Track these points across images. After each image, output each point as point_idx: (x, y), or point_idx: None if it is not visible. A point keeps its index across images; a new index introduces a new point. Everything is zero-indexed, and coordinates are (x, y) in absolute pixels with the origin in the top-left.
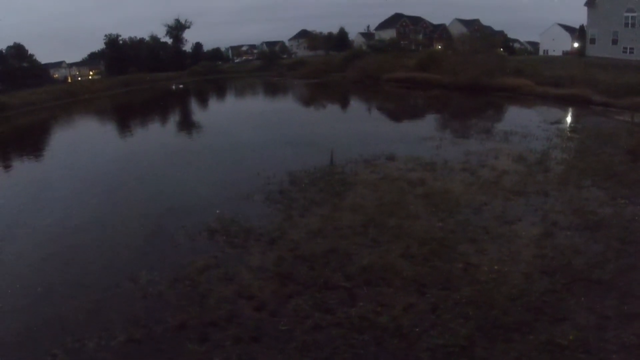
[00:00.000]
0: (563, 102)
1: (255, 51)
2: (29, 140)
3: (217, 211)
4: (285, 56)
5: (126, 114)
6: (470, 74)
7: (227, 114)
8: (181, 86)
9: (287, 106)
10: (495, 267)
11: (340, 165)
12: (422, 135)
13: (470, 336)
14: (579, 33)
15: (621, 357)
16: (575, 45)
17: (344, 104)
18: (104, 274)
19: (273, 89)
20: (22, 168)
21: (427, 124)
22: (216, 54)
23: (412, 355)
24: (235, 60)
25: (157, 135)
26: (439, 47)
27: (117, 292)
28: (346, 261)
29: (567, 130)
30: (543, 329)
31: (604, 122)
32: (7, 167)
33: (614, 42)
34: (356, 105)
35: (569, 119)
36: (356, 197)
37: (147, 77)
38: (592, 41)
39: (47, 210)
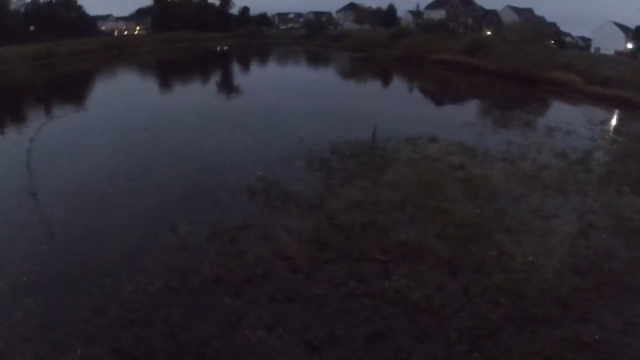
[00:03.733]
0: (610, 103)
1: (301, 20)
2: (70, 90)
3: (259, 172)
4: (331, 27)
5: (168, 71)
6: (518, 64)
7: (269, 80)
8: (225, 48)
9: (330, 78)
10: (529, 259)
11: (381, 141)
12: (464, 120)
13: (498, 322)
14: (634, 34)
15: None
16: (629, 46)
17: (388, 81)
18: (144, 221)
19: (317, 59)
20: (64, 118)
21: (470, 110)
22: (262, 19)
23: (441, 333)
24: (281, 27)
25: (198, 96)
26: (488, 32)
27: (157, 240)
28: (383, 235)
29: (612, 133)
30: (569, 325)
31: None
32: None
33: None
34: (400, 83)
35: (614, 122)
36: (396, 174)
37: (192, 36)
38: None
39: (90, 157)
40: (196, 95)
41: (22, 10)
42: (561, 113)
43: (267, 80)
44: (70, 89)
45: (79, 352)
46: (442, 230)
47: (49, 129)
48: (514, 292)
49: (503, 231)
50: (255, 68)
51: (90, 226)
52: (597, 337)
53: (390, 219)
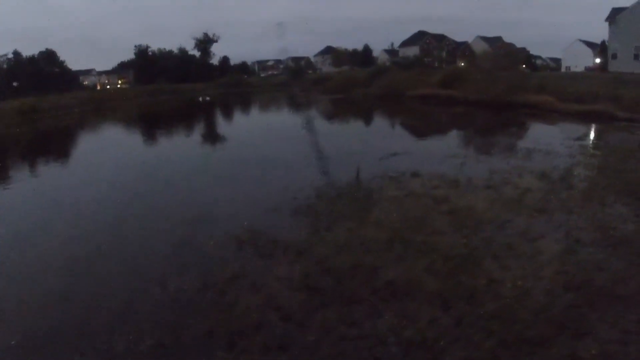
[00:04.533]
0: (586, 118)
1: (281, 66)
2: (52, 145)
3: (245, 223)
4: (310, 71)
5: (152, 123)
6: (493, 91)
7: (252, 127)
8: (208, 98)
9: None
10: (519, 283)
11: (365, 181)
12: (446, 152)
13: (494, 350)
14: (600, 48)
15: None
16: (597, 60)
17: (368, 120)
18: (131, 279)
19: (298, 104)
20: (45, 172)
21: (451, 141)
22: (243, 67)
23: None
24: (262, 75)
25: (182, 146)
26: (462, 64)
27: (146, 297)
28: (372, 275)
29: (590, 147)
30: (565, 342)
31: (628, 138)
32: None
33: (636, 57)
34: (380, 121)
35: (591, 136)
36: (381, 213)
37: (174, 88)
38: (614, 56)
39: (70, 214)
40: (179, 147)
41: (5, 65)
42: (539, 134)
43: (249, 128)
44: (53, 145)
45: None
46: (431, 264)
47: (26, 187)
48: (507, 317)
49: (491, 258)
50: (237, 117)
51: (76, 290)
52: (594, 352)
53: (378, 258)
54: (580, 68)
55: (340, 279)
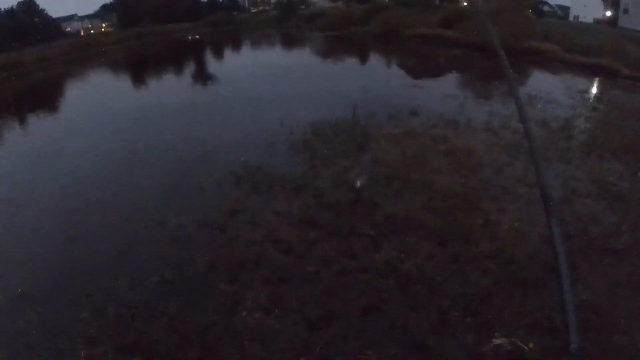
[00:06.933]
0: (590, 71)
1: (272, 1)
2: (45, 97)
3: (242, 159)
4: (303, 6)
5: (140, 67)
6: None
7: (244, 67)
8: (197, 37)
9: (305, 60)
10: (515, 225)
11: (363, 119)
12: (444, 93)
13: (489, 288)
14: (612, 1)
15: (629, 322)
16: (608, 14)
17: (365, 59)
18: (132, 219)
19: (291, 41)
20: (41, 124)
21: (450, 83)
22: (232, 4)
23: (434, 301)
24: (252, 11)
25: (173, 89)
26: (465, 3)
27: (147, 235)
28: (371, 210)
29: (592, 101)
30: (557, 288)
31: (631, 97)
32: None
33: None
34: (377, 60)
35: (594, 90)
36: (379, 150)
37: (160, 29)
38: (626, 11)
39: (70, 158)
40: (171, 88)
41: None
42: (541, 82)
43: (242, 66)
44: (43, 96)
45: (82, 354)
46: (429, 202)
47: (22, 137)
48: (502, 258)
49: (489, 200)
50: (229, 55)
51: (79, 230)
52: (584, 297)
53: (377, 194)
54: (589, 19)
55: (339, 214)
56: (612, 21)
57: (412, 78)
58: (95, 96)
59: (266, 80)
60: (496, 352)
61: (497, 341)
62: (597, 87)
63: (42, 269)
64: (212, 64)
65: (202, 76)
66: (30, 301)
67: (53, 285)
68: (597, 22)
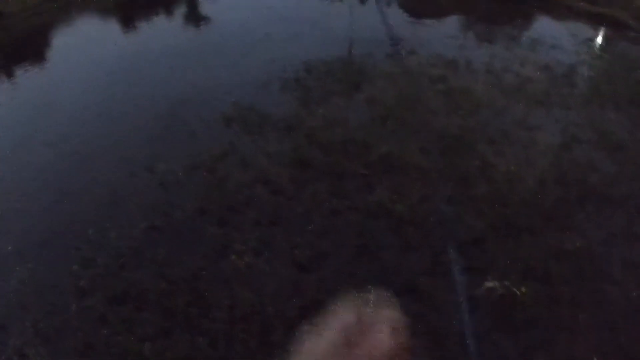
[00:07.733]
0: (597, 20)
1: None
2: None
3: (233, 99)
4: None
5: (130, 9)
6: None
7: (236, 6)
8: None
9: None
10: (512, 169)
11: (359, 57)
12: (445, 33)
13: (483, 231)
14: None
15: (623, 272)
16: None
17: None
18: (120, 165)
19: None
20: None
21: (451, 24)
22: None
23: (426, 244)
24: None
25: (163, 30)
26: None
27: (134, 182)
28: (364, 150)
29: (598, 49)
30: (552, 234)
31: (636, 50)
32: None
33: None
34: None
35: (600, 39)
36: (375, 89)
37: None
38: None
39: (60, 110)
40: (161, 30)
41: None
42: (546, 28)
43: (234, 6)
44: (31, 47)
45: (73, 308)
46: (425, 143)
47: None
48: (497, 202)
49: (486, 142)
50: None
51: (65, 179)
52: (579, 245)
53: (371, 134)
54: None
55: (331, 154)
56: None
57: (414, 18)
58: (86, 45)
59: (259, 20)
60: (488, 295)
61: (489, 284)
62: (604, 36)
63: (31, 225)
64: (204, 4)
65: (194, 17)
66: (21, 257)
67: (43, 240)
68: None
